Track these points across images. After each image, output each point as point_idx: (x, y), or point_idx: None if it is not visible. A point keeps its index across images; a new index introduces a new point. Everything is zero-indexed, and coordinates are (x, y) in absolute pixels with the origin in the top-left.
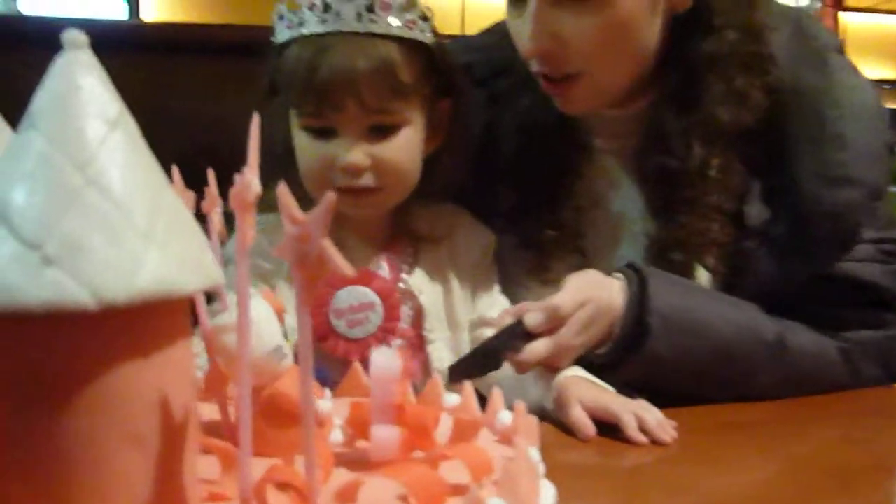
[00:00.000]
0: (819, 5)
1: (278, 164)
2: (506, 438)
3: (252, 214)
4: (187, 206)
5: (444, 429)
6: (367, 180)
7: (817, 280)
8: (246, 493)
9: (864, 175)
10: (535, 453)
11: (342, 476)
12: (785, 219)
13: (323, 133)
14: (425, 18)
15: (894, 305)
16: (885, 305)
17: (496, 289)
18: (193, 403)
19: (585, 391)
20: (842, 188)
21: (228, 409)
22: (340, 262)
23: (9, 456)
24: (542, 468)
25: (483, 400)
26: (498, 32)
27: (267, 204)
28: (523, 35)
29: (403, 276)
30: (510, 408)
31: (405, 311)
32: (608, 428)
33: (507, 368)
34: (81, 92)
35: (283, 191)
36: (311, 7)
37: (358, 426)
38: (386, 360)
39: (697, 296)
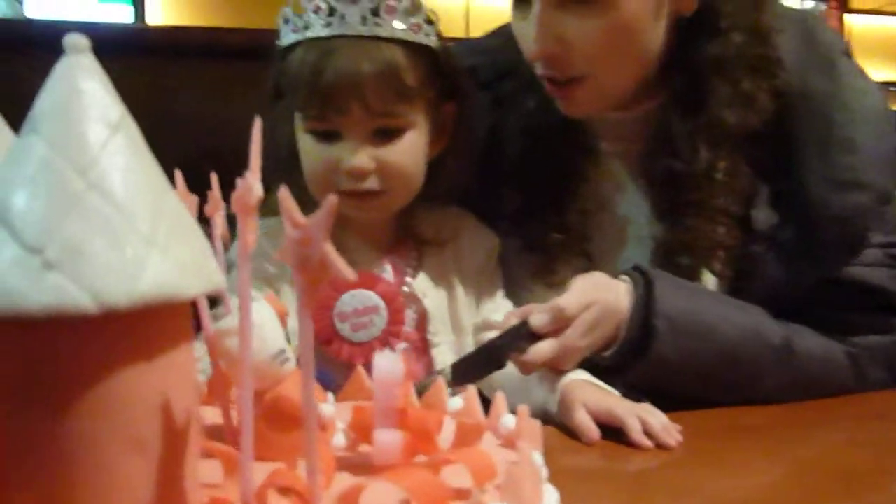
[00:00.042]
0: (824, 7)
1: (283, 167)
2: (509, 442)
3: (254, 218)
4: (190, 209)
5: (446, 433)
6: (371, 184)
7: (825, 284)
8: (248, 497)
9: (873, 179)
10: (538, 457)
11: (344, 480)
12: (793, 223)
13: (327, 136)
14: (430, 22)
15: None
16: (893, 310)
17: (500, 292)
18: (195, 407)
19: (590, 394)
20: (850, 192)
21: (231, 412)
22: (341, 266)
23: (10, 460)
24: (545, 472)
25: (486, 402)
26: (503, 35)
27: (271, 207)
28: (528, 38)
29: (408, 279)
30: (513, 410)
31: (409, 315)
32: (612, 432)
33: (511, 370)
34: (83, 96)
35: (284, 194)
36: (317, 11)
37: (360, 430)
38: (389, 363)
39: (704, 299)
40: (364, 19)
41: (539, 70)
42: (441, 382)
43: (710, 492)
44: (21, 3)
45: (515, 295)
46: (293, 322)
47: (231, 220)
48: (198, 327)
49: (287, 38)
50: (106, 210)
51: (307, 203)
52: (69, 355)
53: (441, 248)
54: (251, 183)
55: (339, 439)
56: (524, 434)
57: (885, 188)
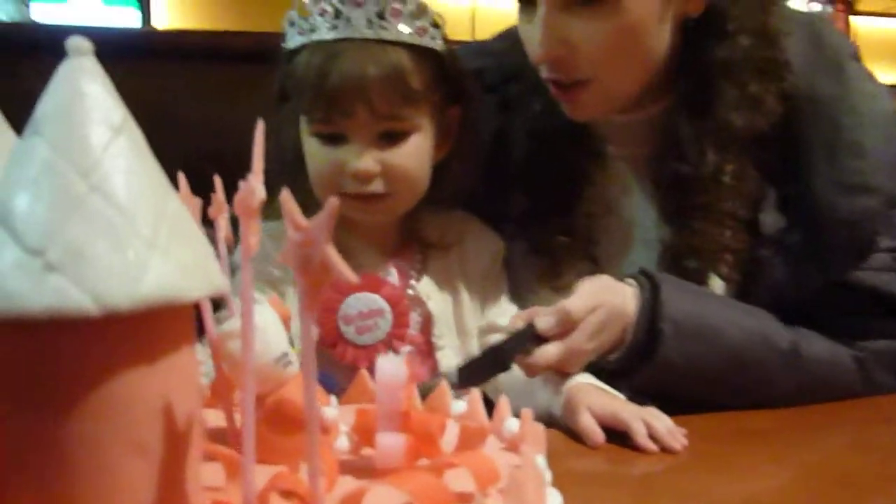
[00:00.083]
0: (830, 9)
1: (288, 170)
2: (512, 446)
3: (256, 221)
4: (193, 212)
5: (450, 436)
6: (376, 187)
7: (833, 288)
8: (249, 500)
9: (882, 183)
10: (541, 461)
11: (347, 484)
12: (800, 226)
13: (333, 139)
14: (436, 25)
15: None
16: None
17: (505, 296)
18: (198, 410)
19: (595, 398)
20: (858, 196)
21: (234, 416)
22: (343, 269)
23: (11, 462)
24: (548, 476)
25: (490, 404)
26: (509, 38)
27: (276, 210)
28: (533, 40)
29: (412, 282)
30: (518, 414)
31: (414, 318)
32: (617, 435)
33: (516, 373)
34: (85, 98)
35: (286, 197)
36: (322, 13)
37: (363, 433)
38: (392, 366)
39: (710, 302)
40: (370, 22)
41: (544, 73)
42: (444, 385)
43: (716, 496)
44: (28, 7)
45: (521, 298)
46: (297, 325)
47: (235, 223)
48: (201, 330)
49: (293, 41)
50: (108, 212)
51: (312, 206)
52: (71, 357)
53: (446, 251)
54: (253, 185)
55: (343, 442)
56: (528, 437)
57: (894, 192)
